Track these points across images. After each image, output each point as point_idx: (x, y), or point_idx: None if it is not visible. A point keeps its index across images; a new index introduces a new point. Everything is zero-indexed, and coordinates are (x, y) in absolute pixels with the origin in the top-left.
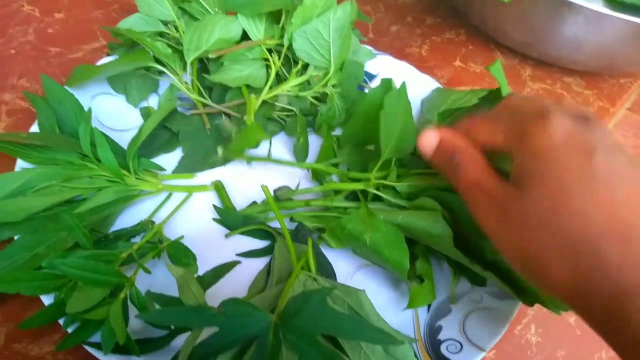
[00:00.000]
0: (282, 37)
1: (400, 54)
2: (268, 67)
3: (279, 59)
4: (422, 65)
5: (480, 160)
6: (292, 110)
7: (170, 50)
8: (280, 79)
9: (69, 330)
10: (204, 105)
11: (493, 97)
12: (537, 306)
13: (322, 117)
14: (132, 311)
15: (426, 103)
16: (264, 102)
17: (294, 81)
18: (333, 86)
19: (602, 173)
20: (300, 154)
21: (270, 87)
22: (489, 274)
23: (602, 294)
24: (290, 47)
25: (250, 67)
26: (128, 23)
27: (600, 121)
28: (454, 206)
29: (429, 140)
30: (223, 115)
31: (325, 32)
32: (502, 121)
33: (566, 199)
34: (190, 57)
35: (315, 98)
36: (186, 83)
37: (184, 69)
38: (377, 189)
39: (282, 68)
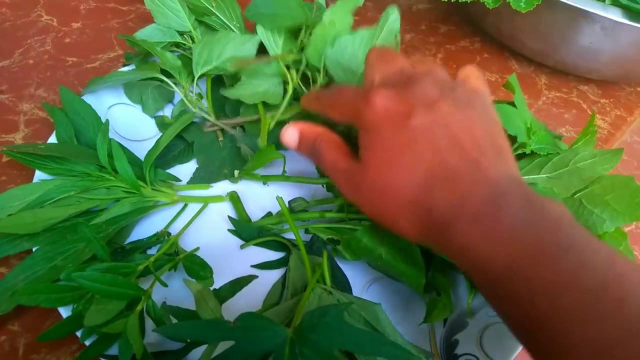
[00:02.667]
0: (300, 51)
1: None
2: (285, 83)
3: (297, 74)
4: None
5: (336, 142)
6: None
7: (180, 62)
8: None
9: (87, 343)
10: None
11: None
12: None
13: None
14: (148, 322)
15: None
16: None
17: None
18: None
19: (420, 131)
20: None
21: (287, 105)
22: None
23: (439, 233)
24: (308, 64)
25: (268, 83)
26: (144, 34)
27: (431, 67)
28: None
29: (290, 135)
30: (237, 127)
31: (361, 53)
32: (338, 105)
33: (394, 165)
34: (198, 71)
35: None
36: (198, 94)
37: (192, 81)
38: None
39: (300, 83)
